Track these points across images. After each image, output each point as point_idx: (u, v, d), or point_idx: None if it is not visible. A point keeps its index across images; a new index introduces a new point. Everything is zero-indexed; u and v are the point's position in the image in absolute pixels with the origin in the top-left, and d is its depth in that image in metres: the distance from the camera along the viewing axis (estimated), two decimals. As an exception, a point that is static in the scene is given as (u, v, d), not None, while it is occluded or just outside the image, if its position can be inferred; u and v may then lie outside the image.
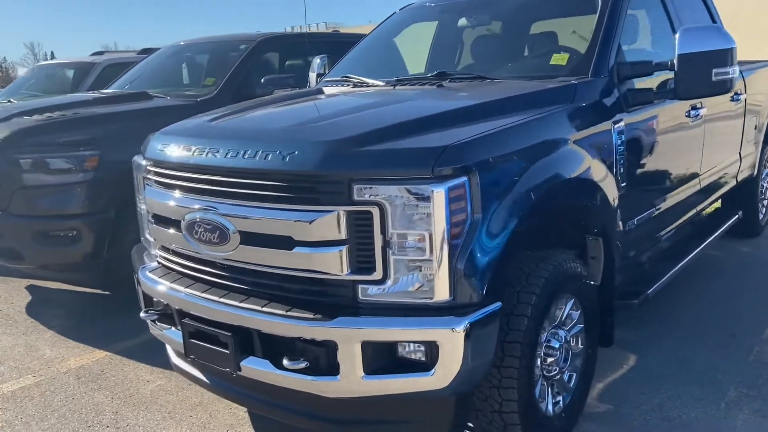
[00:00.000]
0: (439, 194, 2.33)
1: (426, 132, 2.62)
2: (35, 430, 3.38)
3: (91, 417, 3.48)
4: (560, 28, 4.07)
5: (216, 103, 5.31)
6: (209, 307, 2.71)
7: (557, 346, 2.91)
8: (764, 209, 6.39)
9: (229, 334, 2.63)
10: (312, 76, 4.80)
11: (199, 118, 3.43)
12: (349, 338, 2.42)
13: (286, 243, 2.51)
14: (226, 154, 2.68)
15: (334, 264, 2.44)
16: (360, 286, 2.46)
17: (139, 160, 3.28)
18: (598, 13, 3.61)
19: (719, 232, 4.97)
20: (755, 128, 5.72)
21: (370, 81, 3.90)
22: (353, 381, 2.45)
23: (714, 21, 5.11)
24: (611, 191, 3.18)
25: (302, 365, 2.50)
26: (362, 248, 2.43)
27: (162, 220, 3.00)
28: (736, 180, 5.43)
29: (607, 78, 3.36)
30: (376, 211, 2.38)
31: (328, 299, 2.52)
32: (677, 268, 4.09)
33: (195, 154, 2.79)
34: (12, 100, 8.13)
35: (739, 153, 5.36)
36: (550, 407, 2.95)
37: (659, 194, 3.91)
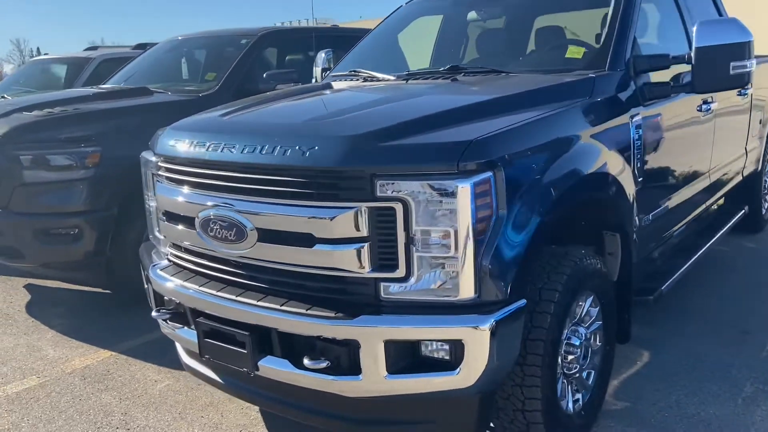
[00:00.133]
0: (464, 190, 2.28)
1: (448, 126, 2.56)
2: (42, 432, 3.32)
3: (100, 418, 3.41)
4: (572, 22, 4.02)
5: (218, 98, 5.23)
6: (225, 305, 2.65)
7: (578, 343, 2.87)
8: (767, 204, 6.40)
9: (247, 333, 2.57)
10: (317, 70, 4.74)
11: (211, 112, 3.36)
12: (372, 337, 2.36)
13: (306, 240, 2.45)
14: (243, 149, 2.62)
15: (356, 261, 2.39)
16: (382, 284, 2.41)
17: (148, 156, 3.21)
18: (612, 5, 3.56)
19: (727, 227, 4.95)
20: (760, 122, 5.71)
21: (380, 75, 3.85)
22: (376, 380, 2.40)
23: (720, 14, 5.09)
24: (629, 186, 3.15)
25: (323, 365, 2.45)
26: (384, 245, 2.38)
27: (174, 218, 2.93)
28: (742, 175, 5.42)
29: (624, 71, 3.33)
30: (399, 208, 2.33)
31: (349, 297, 2.46)
32: (689, 263, 4.08)
33: (210, 149, 2.73)
34: (5, 96, 8.01)
35: (745, 148, 5.35)
36: (570, 405, 2.92)
37: (673, 189, 3.88)
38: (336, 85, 3.90)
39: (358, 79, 3.95)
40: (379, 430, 2.70)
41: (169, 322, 3.00)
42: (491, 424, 2.76)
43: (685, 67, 3.52)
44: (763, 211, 6.26)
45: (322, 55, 4.75)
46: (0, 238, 4.69)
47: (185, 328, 2.94)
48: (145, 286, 3.26)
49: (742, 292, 4.82)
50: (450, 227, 2.31)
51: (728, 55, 3.21)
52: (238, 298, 2.63)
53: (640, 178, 3.28)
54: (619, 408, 3.29)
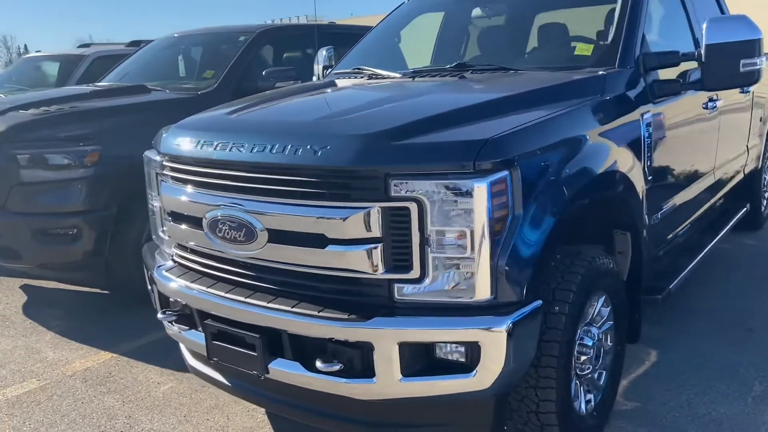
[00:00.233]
0: (480, 189, 2.24)
1: (461, 125, 2.52)
2: (45, 437, 3.27)
3: (104, 422, 3.35)
4: (578, 18, 3.99)
5: (217, 96, 5.19)
6: (235, 307, 2.60)
7: (590, 344, 2.84)
8: (766, 201, 6.40)
9: (257, 335, 2.52)
10: (318, 68, 4.69)
11: (216, 111, 3.31)
12: (386, 339, 2.32)
13: (318, 241, 2.40)
14: (252, 148, 2.56)
15: (369, 262, 2.34)
16: (396, 285, 2.36)
17: (151, 155, 3.15)
18: (620, 1, 3.53)
19: (730, 225, 4.95)
20: (760, 120, 5.71)
21: (385, 73, 3.80)
22: (390, 383, 2.36)
23: (722, 12, 5.07)
24: (639, 184, 3.12)
25: (336, 367, 2.41)
26: (399, 246, 2.34)
27: (180, 218, 2.88)
28: (744, 172, 5.42)
29: (633, 69, 3.30)
30: (413, 207, 2.28)
31: (362, 299, 2.42)
32: (695, 261, 4.06)
33: (218, 149, 2.67)
34: (-1, 94, 7.91)
35: (747, 145, 5.35)
36: (582, 406, 2.89)
37: (681, 187, 3.87)
38: (340, 82, 3.85)
39: (362, 77, 3.90)
40: (391, 433, 2.66)
41: (176, 324, 2.94)
42: (504, 426, 2.72)
43: (691, 65, 3.50)
44: (763, 209, 6.27)
45: (323, 53, 4.69)
46: (-3, 238, 4.62)
47: (192, 330, 2.89)
48: (149, 287, 3.20)
49: (744, 289, 4.81)
50: (466, 227, 2.27)
51: (738, 53, 3.19)
52: (248, 300, 2.58)
53: (650, 176, 3.26)
54: (630, 408, 3.27)
